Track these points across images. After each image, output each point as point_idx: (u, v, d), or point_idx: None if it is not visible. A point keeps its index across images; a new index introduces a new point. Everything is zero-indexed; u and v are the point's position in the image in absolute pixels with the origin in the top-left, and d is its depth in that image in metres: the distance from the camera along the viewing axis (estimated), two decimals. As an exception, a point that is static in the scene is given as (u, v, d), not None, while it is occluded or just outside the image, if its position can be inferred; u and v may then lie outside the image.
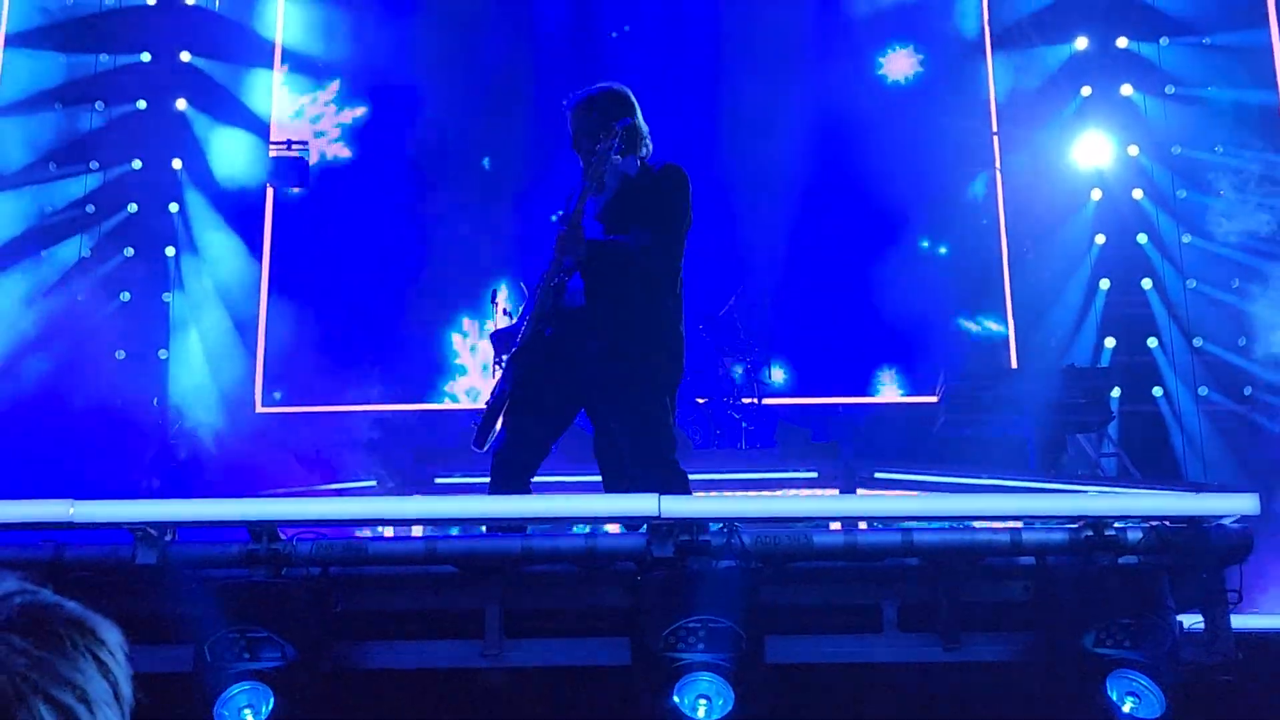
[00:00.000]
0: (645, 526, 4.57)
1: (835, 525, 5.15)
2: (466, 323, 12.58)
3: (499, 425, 5.69)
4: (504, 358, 5.73)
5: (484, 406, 5.79)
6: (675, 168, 5.85)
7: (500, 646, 4.62)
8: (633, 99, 5.96)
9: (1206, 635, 4.51)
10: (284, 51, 13.60)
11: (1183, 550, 4.46)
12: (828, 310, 12.88)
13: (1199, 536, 4.44)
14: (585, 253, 5.55)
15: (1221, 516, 4.43)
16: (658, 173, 5.87)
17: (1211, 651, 4.45)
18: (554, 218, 6.07)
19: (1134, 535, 4.47)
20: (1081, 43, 13.03)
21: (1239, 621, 4.57)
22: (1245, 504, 4.37)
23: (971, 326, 13.11)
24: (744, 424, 11.85)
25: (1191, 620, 4.58)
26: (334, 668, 4.57)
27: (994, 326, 13.03)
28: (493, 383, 5.83)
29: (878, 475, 10.43)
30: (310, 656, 4.47)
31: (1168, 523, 4.47)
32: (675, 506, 4.58)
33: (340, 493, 10.31)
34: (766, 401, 11.85)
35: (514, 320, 6.06)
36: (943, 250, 13.24)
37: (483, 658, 4.62)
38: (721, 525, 4.56)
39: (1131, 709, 4.23)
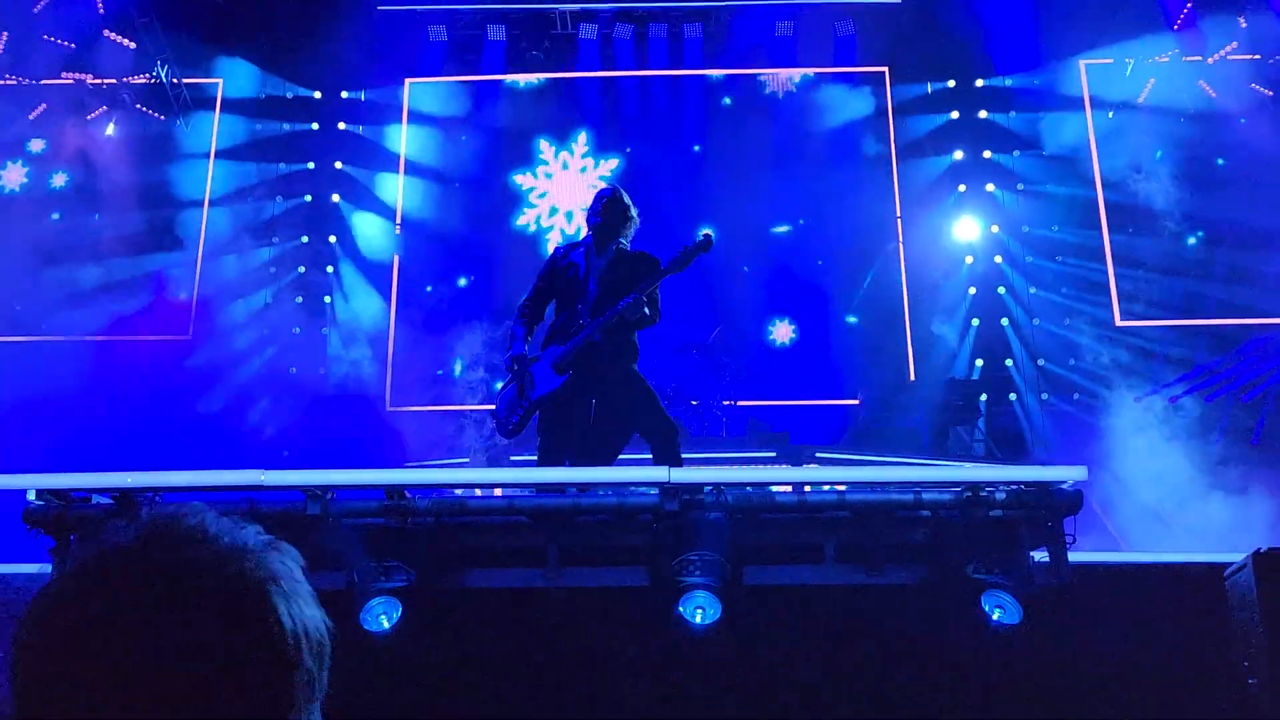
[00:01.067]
0: (658, 489, 4.58)
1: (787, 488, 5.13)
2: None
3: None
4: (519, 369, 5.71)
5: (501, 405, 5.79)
6: (651, 255, 5.85)
7: (558, 573, 4.62)
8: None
9: (1051, 566, 4.49)
10: (406, 161, 13.66)
11: (1034, 506, 4.45)
12: (783, 339, 12.91)
13: (1045, 496, 4.43)
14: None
15: (1061, 482, 4.42)
16: (643, 254, 5.85)
17: (1054, 577, 4.43)
18: (558, 253, 5.98)
19: (1000, 495, 4.46)
20: (959, 154, 13.04)
21: (1073, 556, 4.55)
22: (1077, 473, 4.35)
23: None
24: (723, 419, 11.86)
25: (1040, 555, 4.57)
26: (443, 587, 4.57)
27: (897, 349, 12.98)
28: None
29: (818, 455, 10.40)
30: (427, 579, 4.49)
31: (1024, 486, 4.46)
32: (679, 475, 4.58)
33: (444, 467, 10.29)
34: (740, 403, 11.83)
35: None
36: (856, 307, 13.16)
37: (545, 580, 4.63)
38: (712, 488, 4.56)
39: (998, 618, 4.22)
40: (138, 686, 0.90)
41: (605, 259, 5.75)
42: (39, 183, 12.34)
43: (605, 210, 5.79)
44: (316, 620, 1.02)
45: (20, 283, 11.19)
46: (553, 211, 13.62)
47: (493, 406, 5.95)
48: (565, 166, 13.75)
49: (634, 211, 5.88)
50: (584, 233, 5.98)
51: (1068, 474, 4.36)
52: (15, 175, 12.39)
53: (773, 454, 10.66)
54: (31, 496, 4.48)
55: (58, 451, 8.95)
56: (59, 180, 12.35)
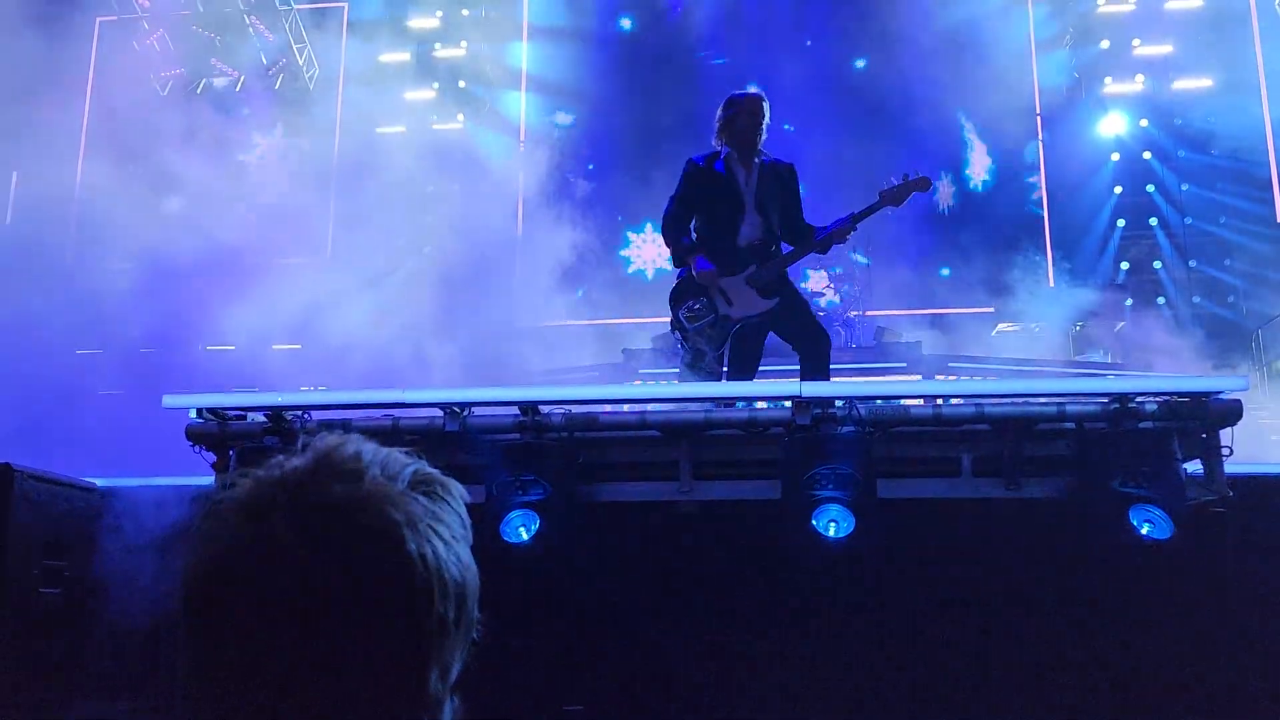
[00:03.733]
0: (791, 402, 4.53)
1: (920, 401, 5.01)
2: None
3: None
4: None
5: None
6: (788, 162, 5.72)
7: (691, 486, 4.64)
8: None
9: (1205, 478, 4.28)
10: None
11: (1187, 417, 4.23)
12: (914, 250, 12.47)
13: (1200, 407, 4.20)
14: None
15: (1218, 392, 4.18)
16: (781, 163, 5.69)
17: (1209, 490, 4.22)
18: (698, 164, 5.66)
19: (1150, 406, 4.25)
20: (1105, 44, 12.23)
21: (1230, 467, 4.32)
22: (1236, 383, 4.11)
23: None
24: (852, 331, 11.64)
25: (1194, 467, 4.36)
26: (578, 500, 4.66)
27: (1036, 256, 12.41)
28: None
29: (951, 365, 10.15)
30: (562, 492, 4.57)
31: (1177, 397, 4.24)
32: (810, 389, 4.52)
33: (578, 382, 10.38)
34: (868, 314, 11.59)
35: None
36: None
37: (679, 493, 4.65)
38: (844, 401, 4.48)
39: (1148, 532, 4.06)
40: (280, 625, 0.95)
41: (754, 171, 5.59)
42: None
43: (750, 116, 5.58)
44: (457, 565, 1.01)
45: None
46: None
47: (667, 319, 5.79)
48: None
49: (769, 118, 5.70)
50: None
51: (1226, 384, 4.12)
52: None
53: (902, 364, 10.45)
54: (193, 415, 4.74)
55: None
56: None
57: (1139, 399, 4.20)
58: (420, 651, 0.99)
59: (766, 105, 5.63)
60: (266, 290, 11.05)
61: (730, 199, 5.53)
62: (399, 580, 0.97)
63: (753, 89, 5.74)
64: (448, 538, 1.01)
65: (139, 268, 10.08)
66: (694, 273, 5.47)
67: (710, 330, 5.45)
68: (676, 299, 5.57)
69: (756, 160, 5.60)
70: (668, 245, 5.70)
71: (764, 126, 5.58)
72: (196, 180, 11.45)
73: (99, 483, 5.47)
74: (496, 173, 13.41)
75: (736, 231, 5.52)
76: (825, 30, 12.84)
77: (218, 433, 4.73)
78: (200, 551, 0.99)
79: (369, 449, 1.04)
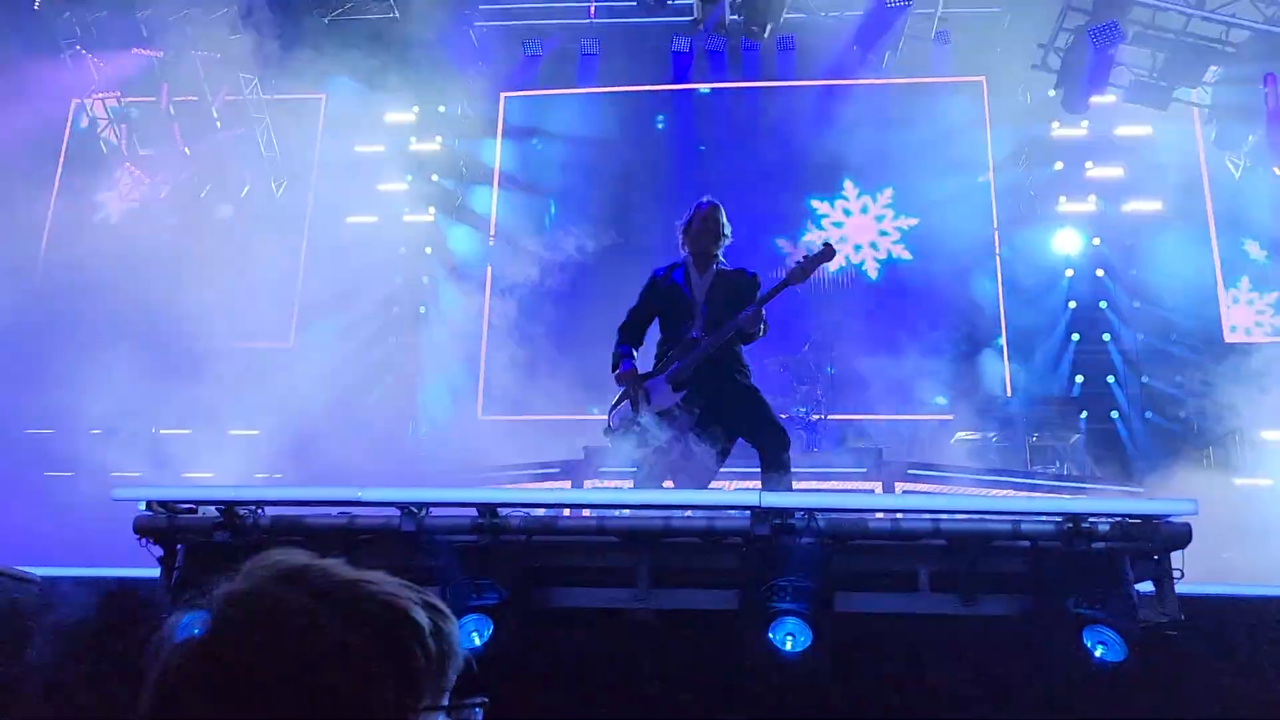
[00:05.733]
0: (749, 512, 4.53)
1: (880, 515, 5.04)
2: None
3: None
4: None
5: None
6: (748, 270, 5.84)
7: (648, 594, 4.60)
8: None
9: (1157, 600, 4.31)
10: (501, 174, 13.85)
11: (1139, 539, 4.27)
12: (874, 356, 12.64)
13: (1151, 529, 4.25)
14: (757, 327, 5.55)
15: (1168, 515, 4.24)
16: (740, 270, 5.82)
17: (1161, 612, 4.25)
18: (658, 275, 5.89)
19: (1104, 527, 4.30)
20: (1059, 165, 12.69)
21: (1181, 588, 4.36)
22: (1186, 507, 4.17)
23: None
24: (814, 433, 11.71)
25: (1145, 587, 4.39)
26: (533, 606, 4.59)
27: (996, 366, 12.63)
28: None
29: (910, 472, 10.19)
30: (518, 598, 4.51)
31: (1129, 519, 4.29)
32: (770, 499, 4.52)
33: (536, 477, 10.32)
34: (830, 417, 11.67)
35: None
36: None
37: (636, 600, 4.60)
38: (803, 513, 4.49)
39: (1101, 654, 4.07)
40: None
41: (708, 277, 5.74)
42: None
43: (706, 227, 5.76)
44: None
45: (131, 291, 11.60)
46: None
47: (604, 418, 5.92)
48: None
49: (729, 228, 5.86)
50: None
51: (1176, 507, 4.18)
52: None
53: (862, 469, 10.49)
54: (142, 507, 4.64)
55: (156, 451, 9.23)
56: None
57: (1091, 519, 4.25)
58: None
59: (722, 213, 5.81)
60: (226, 375, 10.96)
61: (682, 305, 5.68)
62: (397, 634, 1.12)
63: (707, 198, 5.90)
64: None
65: (97, 347, 9.98)
66: (615, 375, 5.61)
67: (635, 433, 5.53)
68: (613, 406, 5.70)
69: (714, 267, 5.75)
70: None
71: (720, 234, 5.74)
72: (158, 258, 11.44)
73: (38, 573, 5.31)
74: (465, 266, 13.53)
75: (686, 337, 5.64)
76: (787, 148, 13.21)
77: (166, 526, 4.63)
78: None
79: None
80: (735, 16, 12.26)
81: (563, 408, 11.89)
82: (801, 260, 5.50)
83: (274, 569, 1.17)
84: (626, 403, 5.68)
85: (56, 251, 11.82)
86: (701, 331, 5.62)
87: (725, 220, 5.84)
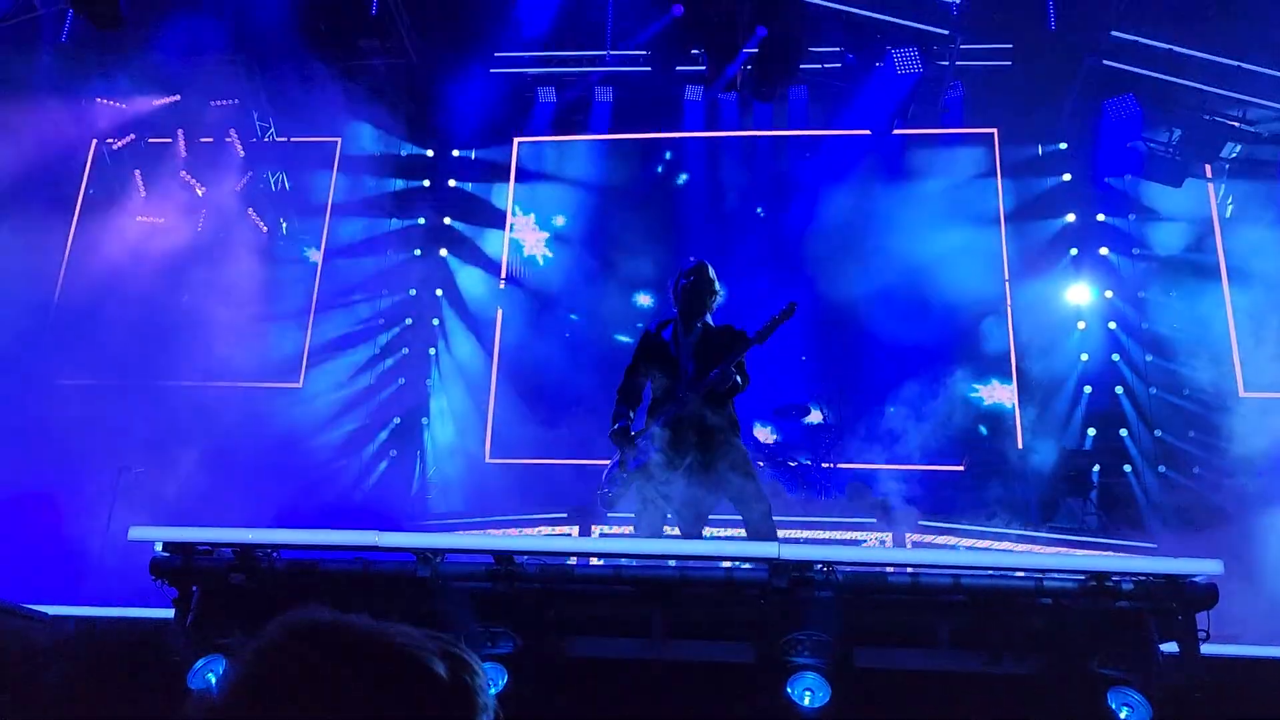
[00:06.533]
0: (767, 565, 4.50)
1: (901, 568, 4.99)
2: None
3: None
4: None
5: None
6: (736, 327, 5.92)
7: (663, 645, 4.56)
8: None
9: (1182, 661, 4.26)
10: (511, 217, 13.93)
11: (1163, 599, 4.24)
12: (885, 407, 12.60)
13: (1176, 589, 4.21)
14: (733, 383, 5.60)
15: (1194, 575, 4.20)
16: (728, 327, 5.91)
17: (1186, 674, 4.20)
18: (649, 332, 6.04)
19: (1127, 586, 4.26)
20: (1070, 217, 12.74)
21: (1207, 648, 4.31)
22: (1211, 566, 4.14)
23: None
24: (822, 481, 11.69)
25: (1170, 647, 4.34)
26: (547, 655, 4.55)
27: (1007, 418, 12.57)
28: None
29: (921, 523, 10.11)
30: (532, 646, 4.47)
31: (1153, 578, 4.25)
32: (789, 552, 4.49)
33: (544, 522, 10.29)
34: (840, 466, 11.64)
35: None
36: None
37: (650, 651, 4.57)
38: (822, 566, 4.46)
39: (1126, 717, 4.01)
40: None
41: (694, 335, 5.86)
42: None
43: (693, 286, 5.85)
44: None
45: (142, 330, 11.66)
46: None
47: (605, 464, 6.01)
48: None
49: (719, 285, 5.96)
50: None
51: (1201, 567, 4.14)
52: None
53: (871, 519, 10.42)
54: (159, 548, 4.63)
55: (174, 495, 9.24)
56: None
57: (1115, 577, 4.22)
58: None
59: (709, 271, 5.90)
60: (235, 414, 10.98)
61: (669, 362, 5.76)
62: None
63: (693, 258, 6.02)
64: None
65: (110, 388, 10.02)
66: (609, 434, 5.74)
67: (626, 486, 5.61)
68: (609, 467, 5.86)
69: (699, 325, 5.84)
70: None
71: (705, 292, 5.84)
72: (172, 298, 11.51)
73: (49, 610, 5.28)
74: (476, 308, 13.57)
75: (674, 394, 5.70)
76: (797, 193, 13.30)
77: (182, 568, 4.61)
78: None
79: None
80: (747, 72, 12.44)
81: (571, 452, 11.87)
82: (766, 322, 5.64)
83: (298, 627, 1.18)
84: (615, 462, 5.83)
85: (72, 289, 11.88)
86: (685, 389, 5.71)
87: (714, 277, 5.96)
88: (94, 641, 4.90)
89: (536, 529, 9.40)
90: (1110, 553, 8.81)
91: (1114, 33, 11.54)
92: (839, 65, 12.96)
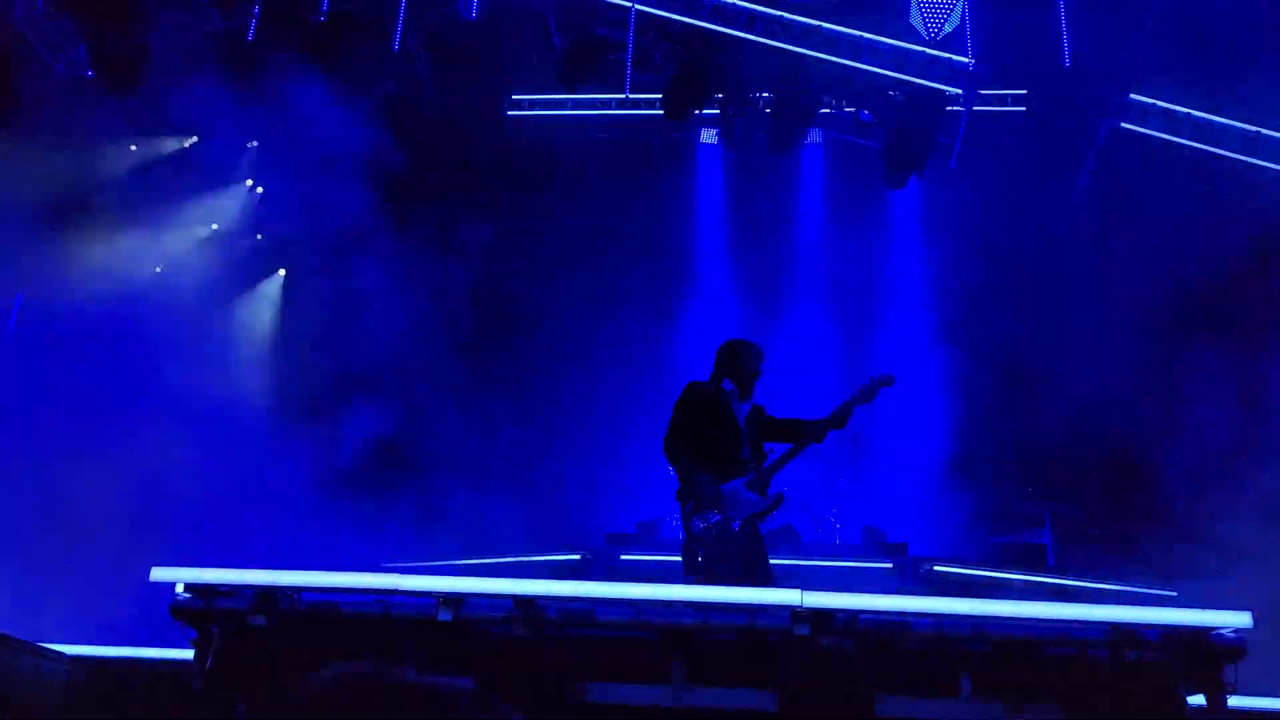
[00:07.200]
0: (789, 612, 4.48)
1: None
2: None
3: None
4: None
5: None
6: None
7: (683, 691, 4.54)
8: None
9: (1209, 713, 4.22)
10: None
11: (1189, 650, 4.21)
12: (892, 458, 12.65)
13: (1203, 641, 4.18)
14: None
15: (1221, 628, 4.18)
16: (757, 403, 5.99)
17: (1213, 727, 4.16)
18: (719, 400, 5.96)
19: (1152, 636, 4.24)
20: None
21: (1234, 701, 4.27)
22: (1240, 619, 4.11)
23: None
24: (837, 525, 11.68)
25: (1196, 700, 4.30)
26: (567, 700, 4.52)
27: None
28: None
29: (936, 569, 10.08)
30: (552, 690, 4.46)
31: (1179, 630, 4.22)
32: (811, 600, 4.48)
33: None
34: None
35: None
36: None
37: (671, 699, 4.54)
38: (845, 613, 4.44)
39: (1153, 770, 3.97)
40: None
41: (745, 407, 5.90)
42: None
43: (757, 371, 5.94)
44: None
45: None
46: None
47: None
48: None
49: None
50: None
51: (1229, 619, 4.11)
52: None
53: (888, 564, 10.38)
54: (180, 589, 4.63)
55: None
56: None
57: (1141, 629, 4.19)
58: None
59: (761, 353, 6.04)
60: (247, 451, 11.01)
61: (735, 429, 5.79)
62: None
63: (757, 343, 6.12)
64: None
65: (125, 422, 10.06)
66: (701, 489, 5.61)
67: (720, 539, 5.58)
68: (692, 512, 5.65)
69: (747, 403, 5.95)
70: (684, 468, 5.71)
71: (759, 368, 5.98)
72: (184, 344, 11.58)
73: (66, 650, 5.28)
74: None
75: (739, 462, 5.71)
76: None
77: (203, 609, 4.62)
78: None
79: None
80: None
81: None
82: (868, 381, 5.76)
83: (344, 682, 1.20)
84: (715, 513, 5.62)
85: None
86: (748, 456, 5.75)
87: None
88: (112, 682, 4.90)
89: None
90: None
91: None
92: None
